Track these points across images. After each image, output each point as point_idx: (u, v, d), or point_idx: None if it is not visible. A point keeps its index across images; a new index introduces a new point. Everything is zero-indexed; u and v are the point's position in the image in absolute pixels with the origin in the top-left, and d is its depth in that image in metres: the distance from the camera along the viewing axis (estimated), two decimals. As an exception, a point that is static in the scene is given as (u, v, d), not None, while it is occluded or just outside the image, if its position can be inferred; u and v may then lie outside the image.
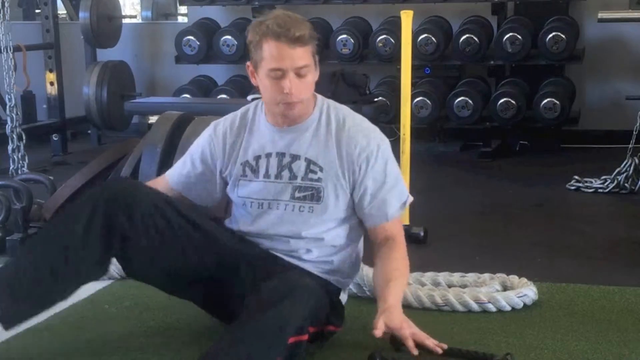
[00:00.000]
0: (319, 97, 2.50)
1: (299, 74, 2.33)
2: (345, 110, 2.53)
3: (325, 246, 2.46)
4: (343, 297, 2.58)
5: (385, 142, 2.48)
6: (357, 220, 2.51)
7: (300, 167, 2.42)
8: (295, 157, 2.43)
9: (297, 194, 2.42)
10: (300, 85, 2.34)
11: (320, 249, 2.46)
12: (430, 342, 2.33)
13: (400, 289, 2.42)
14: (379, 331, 2.25)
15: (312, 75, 2.39)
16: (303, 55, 2.32)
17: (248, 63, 2.40)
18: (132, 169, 3.39)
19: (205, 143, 2.57)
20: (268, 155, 2.45)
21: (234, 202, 2.53)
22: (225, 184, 2.54)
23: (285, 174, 2.43)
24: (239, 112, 2.54)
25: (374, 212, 2.46)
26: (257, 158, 2.46)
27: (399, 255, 2.47)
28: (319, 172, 2.42)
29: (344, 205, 2.46)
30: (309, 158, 2.43)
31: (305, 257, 2.45)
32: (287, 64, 2.30)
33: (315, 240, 2.44)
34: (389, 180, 2.46)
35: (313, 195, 2.42)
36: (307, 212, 2.42)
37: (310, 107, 2.46)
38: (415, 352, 2.29)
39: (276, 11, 2.39)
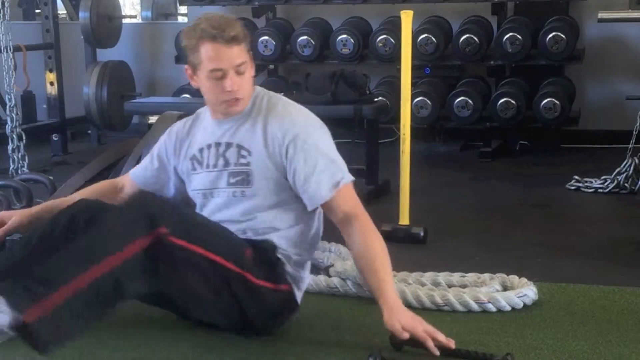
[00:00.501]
0: (258, 88, 2.60)
1: (238, 72, 2.45)
2: (279, 98, 2.58)
3: (261, 228, 2.51)
4: (295, 270, 2.57)
5: (314, 126, 2.52)
6: (299, 203, 2.52)
7: (232, 153, 2.52)
8: (228, 145, 2.54)
9: (231, 180, 2.52)
10: (241, 82, 2.46)
11: (255, 232, 2.52)
12: (442, 336, 2.36)
13: (390, 280, 2.42)
14: (405, 334, 2.34)
15: (250, 72, 2.50)
16: (240, 54, 2.44)
17: (186, 66, 2.54)
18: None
19: (162, 141, 2.73)
20: (208, 147, 2.58)
21: (191, 197, 2.64)
22: (182, 181, 2.67)
23: (220, 162, 2.54)
24: (195, 113, 2.72)
25: (310, 194, 2.47)
26: (201, 150, 2.59)
27: (368, 238, 2.44)
28: (248, 156, 2.50)
29: (275, 188, 2.50)
30: (239, 144, 2.52)
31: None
32: (226, 64, 2.42)
33: (249, 221, 2.51)
34: (320, 162, 2.46)
35: (244, 180, 2.50)
36: (240, 197, 2.51)
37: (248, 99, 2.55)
38: (437, 352, 2.34)
39: (207, 13, 2.58)
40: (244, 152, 2.51)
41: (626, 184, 4.72)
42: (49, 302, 2.13)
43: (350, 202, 2.49)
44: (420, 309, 2.87)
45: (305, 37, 6.15)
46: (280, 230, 2.53)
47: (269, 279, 2.49)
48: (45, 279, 2.16)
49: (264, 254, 2.49)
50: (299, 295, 2.61)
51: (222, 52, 2.42)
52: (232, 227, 2.51)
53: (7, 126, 4.74)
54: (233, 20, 2.50)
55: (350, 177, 2.51)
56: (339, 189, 2.46)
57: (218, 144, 2.56)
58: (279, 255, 2.53)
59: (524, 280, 3.03)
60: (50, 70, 6.41)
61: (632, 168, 4.71)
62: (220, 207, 2.55)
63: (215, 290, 2.42)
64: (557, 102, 5.81)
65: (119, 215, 2.30)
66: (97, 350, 2.53)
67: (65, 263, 2.21)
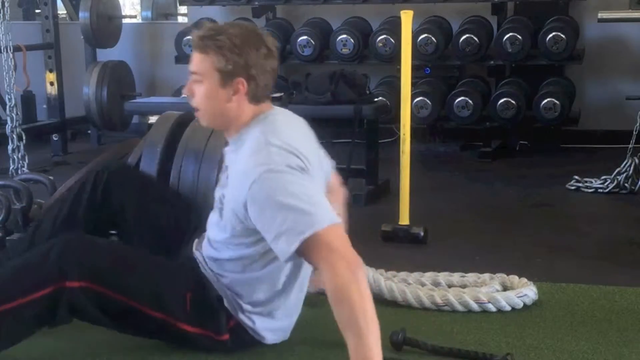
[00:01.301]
0: (268, 113, 2.40)
1: (193, 79, 2.35)
2: (269, 128, 2.33)
3: (221, 261, 2.44)
4: (250, 318, 2.45)
5: (268, 172, 2.21)
6: (258, 252, 2.36)
7: (226, 177, 2.44)
8: (226, 168, 2.46)
9: (218, 203, 2.45)
10: (193, 90, 2.35)
11: (216, 262, 2.44)
12: None
13: (365, 336, 2.04)
14: None
15: (208, 88, 2.32)
16: (198, 62, 2.32)
17: None
18: (132, 169, 3.38)
19: None
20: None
21: None
22: None
23: (222, 180, 2.49)
24: None
25: (275, 249, 2.21)
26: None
27: (342, 291, 2.07)
28: (226, 186, 2.41)
29: (238, 230, 2.34)
30: (229, 173, 2.41)
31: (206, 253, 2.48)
32: (189, 67, 2.36)
33: (215, 251, 2.44)
34: (277, 216, 2.17)
35: (221, 210, 2.42)
36: (216, 223, 2.45)
37: (230, 124, 2.39)
38: None
39: (227, 23, 2.45)
40: (225, 180, 2.43)
41: (626, 184, 4.72)
42: None
43: (319, 252, 2.13)
44: (420, 309, 2.87)
45: (305, 37, 6.15)
46: (235, 272, 2.41)
47: (207, 327, 2.41)
48: None
49: (206, 300, 2.41)
50: (268, 337, 2.48)
51: (192, 56, 2.35)
52: (206, 246, 2.48)
53: (7, 126, 4.74)
54: (222, 32, 2.30)
55: (319, 224, 2.14)
56: (303, 240, 2.13)
57: (226, 165, 2.49)
58: (226, 305, 2.41)
59: (524, 280, 3.04)
60: (50, 70, 6.40)
61: (632, 168, 4.71)
62: (210, 225, 2.50)
63: (148, 334, 2.48)
64: (557, 102, 5.81)
65: (35, 259, 2.37)
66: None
67: None
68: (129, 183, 2.74)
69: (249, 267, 2.38)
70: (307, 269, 2.46)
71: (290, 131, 2.37)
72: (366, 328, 2.04)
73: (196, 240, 2.56)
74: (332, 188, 2.67)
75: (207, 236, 2.49)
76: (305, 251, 2.15)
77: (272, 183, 2.20)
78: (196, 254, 2.50)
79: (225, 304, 2.41)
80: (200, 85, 2.33)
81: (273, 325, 2.47)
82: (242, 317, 2.43)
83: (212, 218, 2.48)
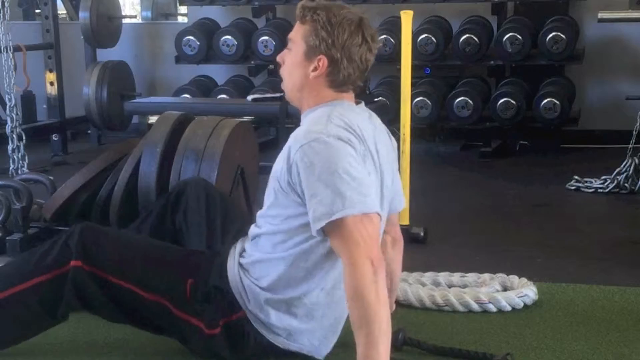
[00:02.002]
0: (343, 101, 2.33)
1: (287, 47, 2.34)
2: (335, 110, 2.27)
3: (257, 238, 2.38)
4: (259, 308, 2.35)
5: (317, 141, 2.17)
6: (291, 228, 2.29)
7: None
8: None
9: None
10: (283, 58, 2.34)
11: (252, 242, 2.39)
12: None
13: (375, 343, 2.04)
14: None
15: (294, 57, 2.31)
16: (294, 30, 2.32)
17: None
18: (132, 169, 3.38)
19: None
20: None
21: None
22: None
23: None
24: None
25: (310, 215, 2.17)
26: None
27: (349, 294, 2.08)
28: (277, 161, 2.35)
29: (278, 199, 2.29)
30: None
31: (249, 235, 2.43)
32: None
33: (256, 227, 2.40)
34: (319, 189, 2.14)
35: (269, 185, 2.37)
36: (265, 197, 2.38)
37: (304, 101, 2.36)
38: None
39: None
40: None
41: (626, 184, 4.72)
42: None
43: (344, 242, 2.10)
44: (421, 309, 2.87)
45: (305, 37, 6.14)
46: (270, 253, 2.33)
47: (200, 316, 2.36)
48: None
49: (205, 288, 2.36)
50: (283, 336, 2.35)
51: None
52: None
53: (7, 126, 4.74)
54: (327, 8, 2.27)
55: (351, 209, 2.10)
56: (332, 222, 2.10)
57: None
58: (235, 295, 2.34)
59: (524, 280, 3.04)
60: (50, 70, 6.40)
61: (632, 168, 4.71)
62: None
63: (140, 320, 2.45)
64: (557, 102, 5.81)
65: (48, 245, 2.42)
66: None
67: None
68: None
69: (278, 246, 2.31)
70: (337, 278, 2.28)
71: (360, 118, 2.31)
72: (378, 331, 2.04)
73: (244, 239, 2.49)
74: (394, 236, 2.57)
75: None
76: (331, 234, 2.13)
77: (319, 152, 2.16)
78: (232, 247, 2.45)
79: (235, 293, 2.35)
80: (290, 54, 2.32)
81: (291, 325, 2.33)
82: (254, 309, 2.33)
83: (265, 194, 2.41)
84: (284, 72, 2.36)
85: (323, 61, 2.27)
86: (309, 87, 2.32)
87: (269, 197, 2.34)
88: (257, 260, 2.35)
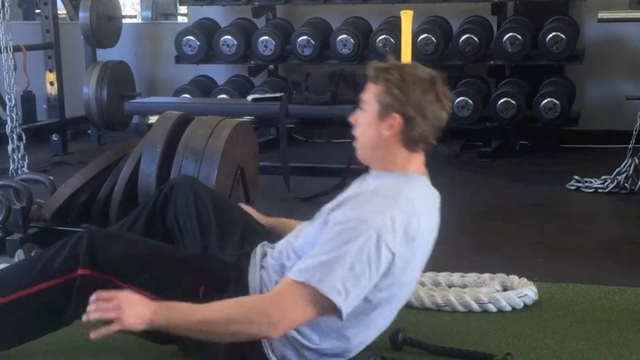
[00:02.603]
0: (412, 175, 2.36)
1: (360, 107, 2.34)
2: (400, 190, 2.27)
3: (284, 269, 2.33)
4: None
5: (357, 220, 2.14)
6: None
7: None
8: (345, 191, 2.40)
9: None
10: (357, 118, 2.35)
11: (276, 265, 2.36)
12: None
13: (184, 311, 2.14)
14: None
15: (367, 117, 2.30)
16: (367, 91, 2.32)
17: None
18: (132, 169, 3.39)
19: None
20: None
21: None
22: None
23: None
24: None
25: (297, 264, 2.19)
26: None
27: (239, 313, 2.12)
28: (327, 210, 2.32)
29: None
30: (344, 193, 2.36)
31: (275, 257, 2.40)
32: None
33: (286, 257, 2.35)
34: (323, 249, 2.14)
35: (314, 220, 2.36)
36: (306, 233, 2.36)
37: (376, 161, 2.36)
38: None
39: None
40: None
41: (626, 184, 4.72)
42: None
43: (280, 291, 2.13)
44: (421, 309, 2.87)
45: (305, 37, 6.15)
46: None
47: None
48: None
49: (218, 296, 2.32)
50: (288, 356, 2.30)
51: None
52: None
53: (7, 126, 4.74)
54: (400, 68, 2.30)
55: (322, 285, 2.08)
56: (293, 282, 2.11)
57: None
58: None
59: (524, 280, 3.04)
60: (50, 70, 6.41)
61: (632, 168, 4.71)
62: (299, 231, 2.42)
63: None
64: (557, 102, 5.81)
65: (55, 250, 2.40)
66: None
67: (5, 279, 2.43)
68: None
69: None
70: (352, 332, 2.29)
71: (424, 202, 2.35)
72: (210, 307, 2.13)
73: (265, 247, 2.48)
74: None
75: (290, 242, 2.40)
76: (287, 280, 2.14)
77: (348, 230, 2.13)
78: (252, 255, 2.43)
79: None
80: (363, 114, 2.32)
81: (302, 344, 2.30)
82: None
83: (305, 226, 2.39)
84: (357, 132, 2.36)
85: (397, 119, 2.26)
86: (383, 147, 2.31)
87: (312, 234, 2.29)
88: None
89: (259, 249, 2.44)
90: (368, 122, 2.31)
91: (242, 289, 2.34)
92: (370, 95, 2.30)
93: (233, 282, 2.36)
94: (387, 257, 2.16)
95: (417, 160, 2.37)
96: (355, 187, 2.36)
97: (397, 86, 2.25)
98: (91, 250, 2.34)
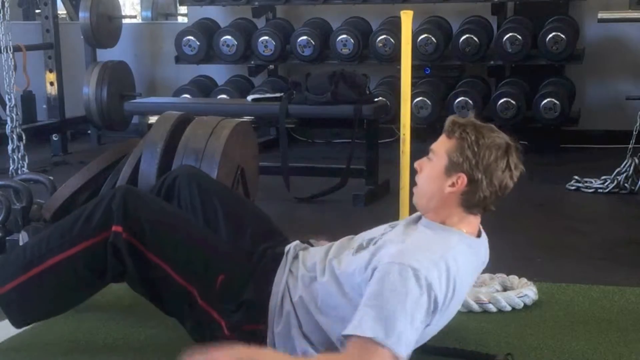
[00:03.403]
0: (462, 235, 2.31)
1: (428, 156, 2.32)
2: (441, 243, 2.24)
3: (313, 281, 2.33)
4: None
5: (408, 269, 2.11)
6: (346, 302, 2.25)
7: (381, 234, 2.36)
8: (390, 229, 2.39)
9: (362, 243, 2.36)
10: (422, 165, 2.33)
11: (307, 275, 2.35)
12: None
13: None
14: None
15: (434, 169, 2.28)
16: (439, 142, 2.30)
17: None
18: (132, 169, 3.39)
19: None
20: None
21: None
22: None
23: (376, 231, 2.42)
24: None
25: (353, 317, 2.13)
26: None
27: None
28: (377, 247, 2.29)
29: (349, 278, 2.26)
30: (389, 236, 2.33)
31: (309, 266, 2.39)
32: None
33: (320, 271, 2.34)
34: (373, 300, 2.11)
35: (357, 249, 2.33)
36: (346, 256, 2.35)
37: (430, 211, 2.33)
38: None
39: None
40: (380, 237, 2.33)
41: (626, 184, 4.72)
42: (13, 283, 2.38)
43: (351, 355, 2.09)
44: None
45: (305, 37, 6.15)
46: (314, 307, 2.29)
47: (223, 315, 2.33)
48: (15, 262, 2.42)
49: (236, 291, 2.34)
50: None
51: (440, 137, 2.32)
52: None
53: (7, 126, 4.73)
54: (477, 128, 2.25)
55: (382, 343, 2.04)
56: (353, 339, 2.08)
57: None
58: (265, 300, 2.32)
59: (524, 280, 3.04)
60: (50, 70, 6.41)
61: (632, 168, 4.71)
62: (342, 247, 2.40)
63: (162, 300, 2.43)
64: (557, 102, 5.82)
65: (92, 207, 2.40)
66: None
67: (36, 248, 2.41)
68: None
69: (331, 310, 2.28)
70: None
71: (469, 267, 2.30)
72: None
73: (298, 247, 2.46)
74: None
75: (330, 261, 2.36)
76: (352, 344, 2.09)
77: (396, 279, 2.10)
78: (284, 257, 2.41)
79: (270, 307, 2.32)
80: (429, 164, 2.31)
81: (308, 351, 2.30)
82: (280, 332, 2.32)
83: (345, 254, 2.35)
84: (419, 179, 2.35)
85: (462, 179, 2.24)
86: (441, 201, 2.29)
87: (354, 268, 2.26)
88: (304, 303, 2.30)
89: (292, 250, 2.42)
90: (433, 174, 2.29)
91: (261, 290, 2.33)
92: (442, 147, 2.28)
93: (254, 281, 2.36)
94: (434, 305, 2.15)
95: (472, 220, 2.33)
96: (402, 229, 2.33)
97: (471, 147, 2.22)
98: (125, 207, 2.34)
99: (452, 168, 2.25)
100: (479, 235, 2.37)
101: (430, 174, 2.30)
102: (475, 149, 2.22)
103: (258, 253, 2.45)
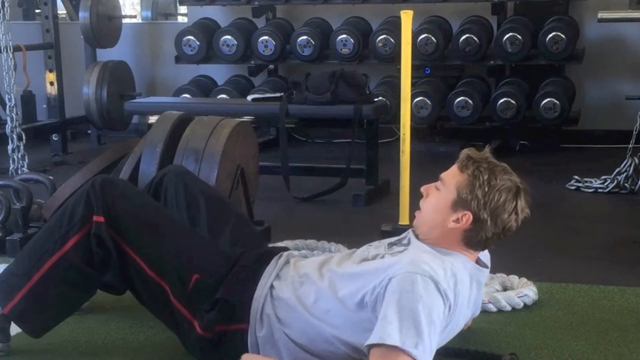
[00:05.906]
0: (461, 257, 2.29)
1: (436, 184, 2.32)
2: (450, 261, 2.22)
3: (305, 285, 2.30)
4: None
5: (423, 276, 2.10)
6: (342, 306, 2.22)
7: (384, 248, 2.37)
8: (391, 245, 2.40)
9: (364, 255, 2.37)
10: (429, 191, 2.32)
11: (296, 279, 2.32)
12: None
13: None
14: None
15: (440, 200, 2.27)
16: (450, 173, 2.30)
17: None
18: (132, 169, 3.39)
19: None
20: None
21: None
22: None
23: (379, 246, 2.42)
24: None
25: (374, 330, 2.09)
26: None
27: None
28: (382, 261, 2.28)
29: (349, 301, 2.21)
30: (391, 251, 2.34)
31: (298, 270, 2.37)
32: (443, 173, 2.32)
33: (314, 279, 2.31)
34: (390, 312, 2.07)
35: (360, 261, 2.32)
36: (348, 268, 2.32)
37: (429, 238, 2.31)
38: None
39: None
40: (380, 249, 2.35)
41: (626, 184, 4.72)
42: (20, 293, 2.39)
43: None
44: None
45: (305, 37, 6.15)
46: (312, 316, 2.25)
47: (196, 315, 2.31)
48: (16, 272, 2.42)
49: (210, 292, 2.31)
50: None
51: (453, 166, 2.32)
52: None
53: (7, 126, 4.73)
54: (491, 168, 2.27)
55: (408, 352, 2.02)
56: (379, 348, 2.04)
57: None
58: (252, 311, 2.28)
59: (524, 280, 3.04)
60: (50, 70, 6.40)
61: (632, 168, 4.71)
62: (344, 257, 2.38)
63: (140, 296, 2.45)
64: (557, 102, 5.81)
65: (73, 202, 2.42)
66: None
67: (33, 252, 2.43)
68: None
69: (326, 314, 2.24)
70: None
71: (463, 283, 2.25)
72: None
73: (291, 255, 2.44)
74: None
75: (328, 268, 2.32)
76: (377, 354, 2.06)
77: (419, 289, 2.08)
78: (275, 260, 2.39)
79: (252, 311, 2.28)
80: (437, 193, 2.30)
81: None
82: (263, 336, 2.28)
83: (347, 263, 2.33)
84: (424, 205, 2.33)
85: (468, 217, 2.24)
86: (442, 234, 2.28)
87: (352, 272, 2.25)
88: (291, 305, 2.27)
89: (284, 256, 2.40)
90: (438, 206, 2.29)
91: (238, 291, 2.30)
92: (452, 180, 2.28)
93: (230, 282, 2.32)
94: (448, 312, 2.16)
95: (472, 253, 2.33)
96: (401, 248, 2.32)
97: (482, 187, 2.22)
98: (103, 197, 2.35)
99: (459, 204, 2.24)
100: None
101: (436, 204, 2.29)
102: (486, 189, 2.22)
103: (236, 255, 2.43)
